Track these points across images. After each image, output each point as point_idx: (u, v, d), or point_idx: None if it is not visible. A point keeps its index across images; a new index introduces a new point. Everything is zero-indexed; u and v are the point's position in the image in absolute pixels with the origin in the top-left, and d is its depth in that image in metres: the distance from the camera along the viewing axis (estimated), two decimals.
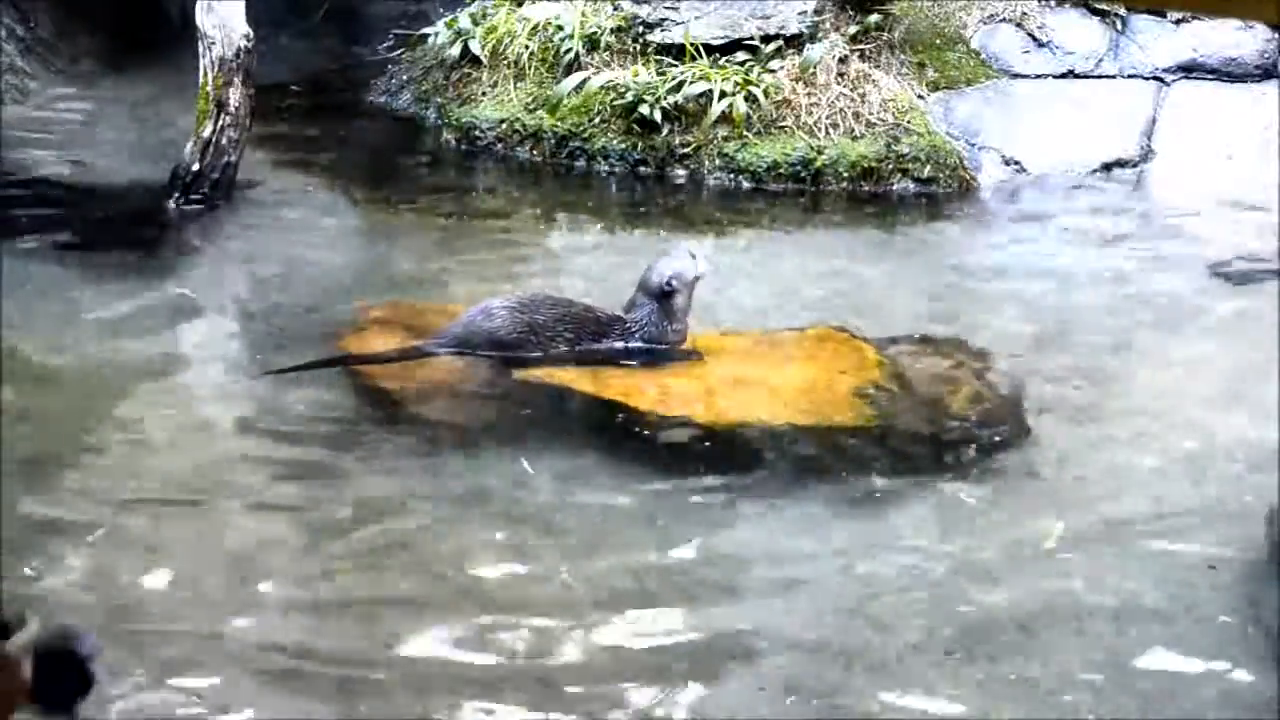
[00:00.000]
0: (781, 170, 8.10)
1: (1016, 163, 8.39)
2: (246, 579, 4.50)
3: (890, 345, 6.05)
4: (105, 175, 7.91)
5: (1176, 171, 8.34)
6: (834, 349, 6.01)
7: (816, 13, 8.54)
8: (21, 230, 7.04)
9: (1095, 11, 8.92)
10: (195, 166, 7.43)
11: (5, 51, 9.05)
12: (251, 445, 5.33)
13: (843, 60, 8.39)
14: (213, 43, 7.46)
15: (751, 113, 8.13)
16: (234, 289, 6.80)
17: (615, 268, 6.94)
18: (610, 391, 5.56)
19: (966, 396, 5.69)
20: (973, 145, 8.40)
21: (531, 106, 8.50)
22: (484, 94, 8.68)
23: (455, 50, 8.83)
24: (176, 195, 7.43)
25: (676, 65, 8.33)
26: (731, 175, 8.14)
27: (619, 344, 5.85)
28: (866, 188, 8.08)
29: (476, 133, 8.55)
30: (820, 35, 8.46)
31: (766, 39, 8.41)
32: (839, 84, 8.31)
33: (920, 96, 8.50)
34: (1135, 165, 8.43)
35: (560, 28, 8.61)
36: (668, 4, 8.57)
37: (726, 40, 8.45)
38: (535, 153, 8.40)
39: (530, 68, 8.63)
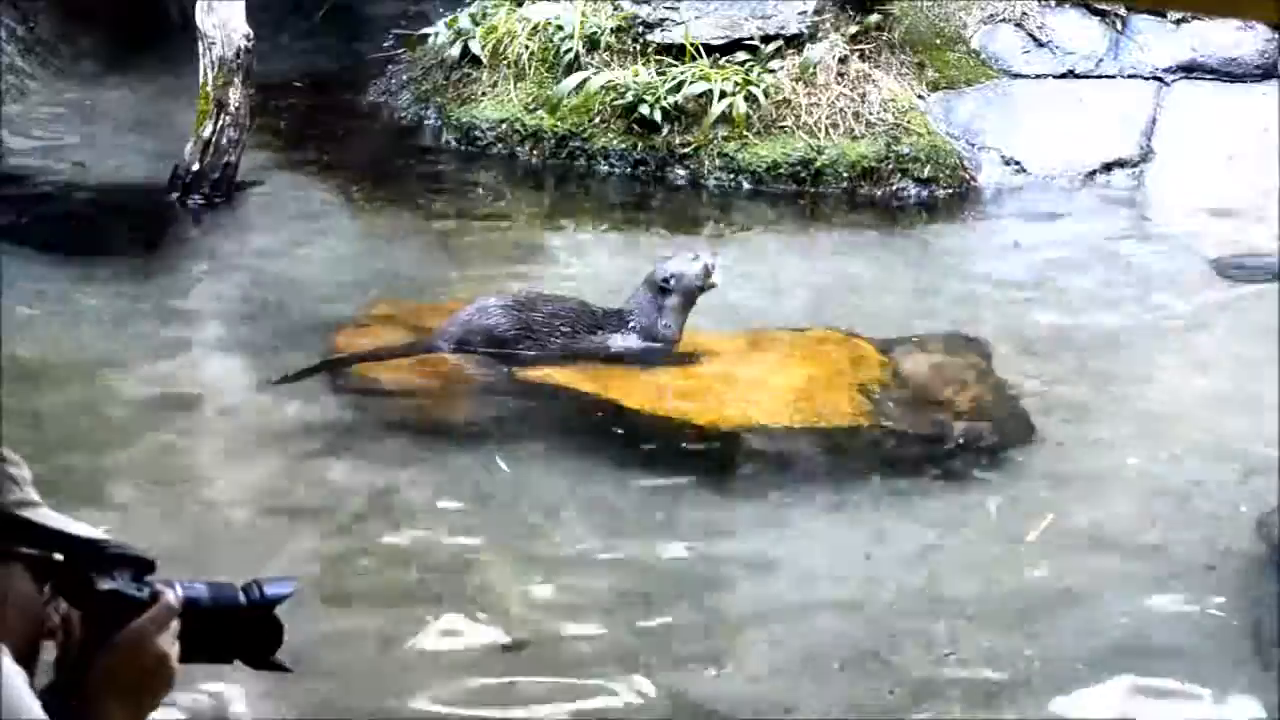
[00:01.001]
0: (781, 170, 8.09)
1: (1016, 163, 8.39)
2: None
3: (890, 345, 6.05)
4: (105, 175, 7.91)
5: (1176, 172, 8.33)
6: (834, 349, 6.00)
7: (816, 13, 8.53)
8: (21, 230, 7.03)
9: (1095, 11, 8.90)
10: (195, 166, 7.43)
11: (5, 51, 9.05)
12: (251, 445, 5.33)
13: (843, 60, 8.38)
14: (213, 43, 7.45)
15: (751, 113, 8.13)
16: (234, 289, 6.79)
17: (615, 268, 6.94)
18: (610, 392, 5.56)
19: (967, 397, 5.69)
20: (973, 145, 8.40)
21: (531, 106, 8.50)
22: (484, 94, 8.67)
23: (455, 50, 8.82)
24: (176, 195, 7.43)
25: (676, 65, 8.32)
26: (731, 175, 8.13)
27: (615, 335, 5.85)
28: (866, 188, 8.06)
29: (476, 133, 8.54)
30: (820, 35, 8.45)
31: (766, 39, 8.40)
32: (839, 84, 8.30)
33: (920, 96, 8.50)
34: (1135, 165, 8.42)
35: (560, 28, 8.60)
36: (668, 4, 8.56)
37: (726, 40, 8.44)
38: (535, 153, 8.40)
39: (530, 68, 8.62)
